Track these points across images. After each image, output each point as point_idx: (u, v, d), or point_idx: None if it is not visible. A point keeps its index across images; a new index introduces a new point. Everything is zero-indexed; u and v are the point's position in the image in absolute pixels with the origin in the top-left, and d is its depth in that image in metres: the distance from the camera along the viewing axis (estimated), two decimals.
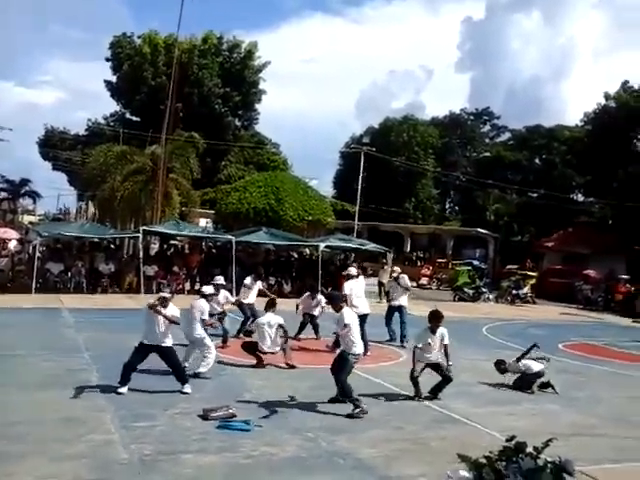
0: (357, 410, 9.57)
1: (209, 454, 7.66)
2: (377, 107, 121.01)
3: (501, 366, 12.54)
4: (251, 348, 12.92)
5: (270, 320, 12.82)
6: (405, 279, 17.49)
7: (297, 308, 16.43)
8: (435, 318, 11.05)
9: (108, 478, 6.75)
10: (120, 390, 10.00)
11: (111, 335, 14.99)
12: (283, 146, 62.83)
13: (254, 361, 12.76)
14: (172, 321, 10.30)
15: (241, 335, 15.29)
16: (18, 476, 6.66)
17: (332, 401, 9.95)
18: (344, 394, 9.74)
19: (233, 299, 15.82)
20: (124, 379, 10.10)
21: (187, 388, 10.32)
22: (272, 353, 12.79)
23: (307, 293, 17.04)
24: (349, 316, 9.99)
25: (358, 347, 9.92)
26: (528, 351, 12.59)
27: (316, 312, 16.53)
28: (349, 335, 9.83)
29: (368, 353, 13.32)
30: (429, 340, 10.90)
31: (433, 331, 10.94)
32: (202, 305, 11.94)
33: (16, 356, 12.64)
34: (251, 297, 16.31)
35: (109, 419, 8.80)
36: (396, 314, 17.05)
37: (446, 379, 10.92)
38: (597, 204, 50.71)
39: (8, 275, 26.01)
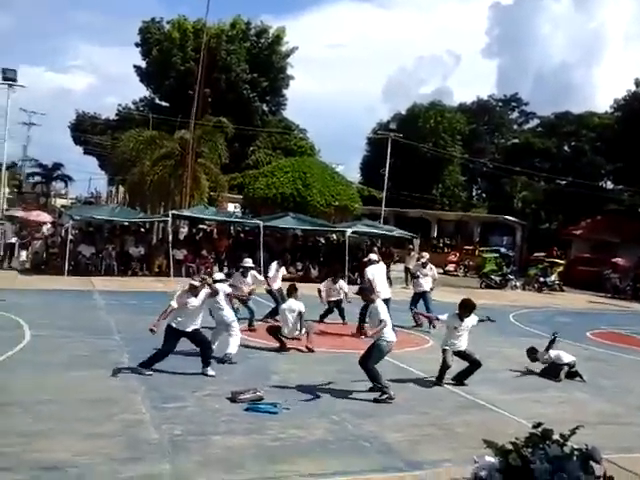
0: (384, 396, 9.63)
1: (237, 435, 7.77)
2: (405, 93, 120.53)
3: (532, 354, 12.50)
4: (274, 332, 13.07)
5: (291, 305, 12.96)
6: (432, 268, 17.49)
7: (319, 293, 16.51)
8: (464, 307, 11.05)
9: (140, 457, 6.88)
10: (147, 372, 10.16)
11: (141, 317, 15.11)
12: (310, 132, 62.76)
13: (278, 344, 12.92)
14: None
15: (268, 319, 15.37)
16: (54, 453, 6.82)
17: (372, 390, 9.96)
18: (373, 380, 9.80)
19: (261, 278, 15.84)
20: (150, 363, 10.28)
21: (210, 371, 10.45)
22: (293, 338, 12.92)
23: (330, 279, 17.05)
24: (384, 311, 10.02)
25: (391, 334, 9.97)
26: (551, 343, 12.53)
27: (340, 297, 16.57)
28: (381, 326, 9.87)
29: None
30: (455, 325, 10.93)
31: (461, 318, 10.97)
32: (222, 287, 11.88)
33: (49, 337, 12.87)
34: (277, 283, 16.30)
35: (140, 400, 8.95)
36: (421, 301, 17.08)
37: (475, 364, 10.93)
38: (627, 192, 49.98)
39: (42, 257, 26.45)
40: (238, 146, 51.05)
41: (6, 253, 26.47)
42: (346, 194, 39.73)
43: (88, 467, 6.54)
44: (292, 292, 13.44)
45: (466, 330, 10.99)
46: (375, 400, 9.58)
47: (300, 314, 12.84)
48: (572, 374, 12.04)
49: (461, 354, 11.00)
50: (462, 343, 10.98)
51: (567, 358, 12.15)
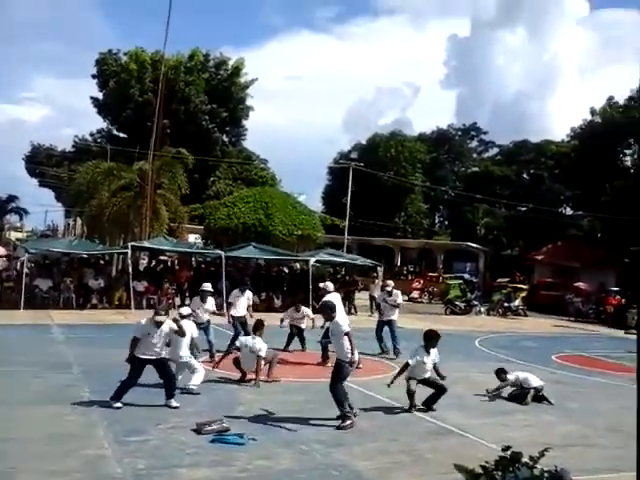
0: (346, 423, 9.51)
1: (203, 468, 7.59)
2: (365, 123, 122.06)
3: (501, 375, 12.48)
4: (237, 363, 12.71)
5: (255, 345, 12.40)
6: (398, 295, 17.32)
7: (281, 322, 16.43)
8: (430, 338, 11.01)
9: None
10: (115, 405, 9.91)
11: (101, 350, 14.89)
12: (271, 162, 63.03)
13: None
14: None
15: (231, 350, 15.08)
16: None
17: (338, 418, 9.80)
18: (337, 404, 9.66)
19: (215, 309, 15.62)
20: (119, 394, 10.02)
21: (174, 402, 10.24)
22: (246, 373, 12.57)
23: (293, 307, 16.98)
24: (345, 323, 9.96)
25: (354, 354, 9.86)
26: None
27: (303, 325, 16.46)
28: (345, 343, 9.78)
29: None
30: (424, 359, 10.87)
31: (427, 351, 10.92)
32: (190, 326, 11.86)
33: (5, 372, 12.47)
34: (240, 309, 15.83)
35: (102, 434, 8.71)
36: (386, 328, 16.98)
37: (441, 390, 10.88)
38: (585, 217, 51.08)
39: None
40: (198, 177, 50.94)
41: None
42: (308, 223, 39.77)
43: None
44: (259, 328, 12.98)
45: (431, 360, 10.94)
46: (337, 428, 9.44)
47: (259, 357, 12.28)
48: (539, 398, 12.05)
49: (426, 381, 10.93)
50: (427, 373, 10.93)
51: (535, 382, 12.17)
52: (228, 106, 57.90)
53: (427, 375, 10.93)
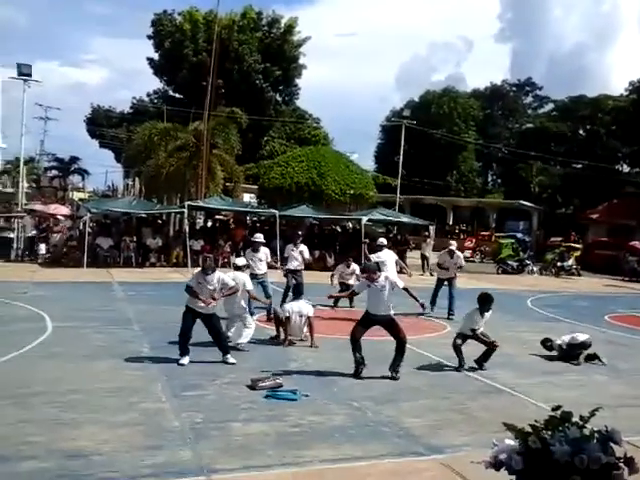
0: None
1: (257, 422, 7.82)
2: (417, 80, 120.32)
3: (547, 344, 12.47)
4: (278, 321, 12.69)
5: (301, 309, 12.51)
6: (460, 257, 17.15)
7: (331, 281, 16.51)
8: (485, 302, 11.01)
9: (161, 445, 6.95)
10: (182, 361, 10.21)
11: (160, 307, 15.35)
12: (324, 121, 62.68)
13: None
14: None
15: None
16: (78, 441, 6.91)
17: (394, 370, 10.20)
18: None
19: (269, 258, 15.21)
20: (183, 350, 10.34)
21: (230, 358, 10.51)
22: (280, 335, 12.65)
23: (344, 263, 17.07)
24: (393, 274, 10.15)
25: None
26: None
27: (351, 281, 16.55)
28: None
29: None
30: (477, 321, 10.94)
31: (482, 314, 10.98)
32: (243, 277, 12.03)
33: (70, 328, 13.03)
34: (292, 264, 15.77)
35: (160, 389, 9.04)
36: (444, 288, 16.86)
37: (492, 347, 10.95)
38: None
39: (61, 250, 26.70)
40: (252, 136, 51.09)
41: (26, 246, 26.73)
42: (361, 182, 39.67)
43: (111, 455, 6.63)
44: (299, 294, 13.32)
45: (484, 321, 11.02)
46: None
47: (308, 318, 12.41)
48: (591, 357, 12.00)
49: (477, 337, 10.98)
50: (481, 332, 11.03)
51: (582, 337, 12.11)
52: (281, 65, 57.61)
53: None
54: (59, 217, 30.37)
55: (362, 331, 10.20)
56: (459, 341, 10.93)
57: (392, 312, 10.25)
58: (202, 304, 10.35)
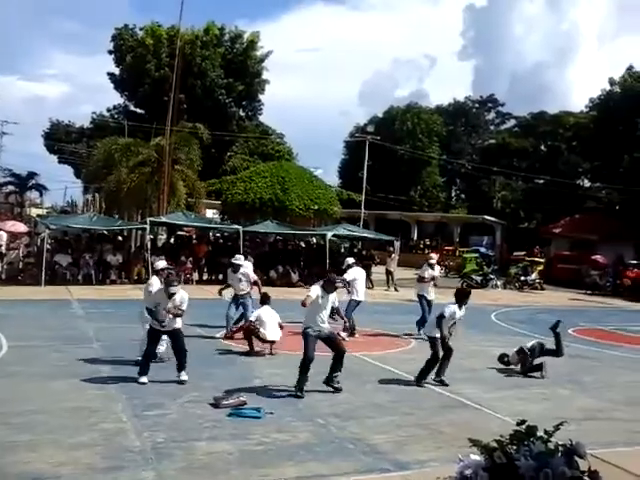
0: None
1: (221, 441, 7.71)
2: (381, 96, 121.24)
3: (504, 359, 12.52)
4: (249, 333, 12.78)
5: (269, 312, 12.75)
6: (437, 270, 16.96)
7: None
8: (464, 296, 11.22)
9: (122, 465, 6.80)
10: (141, 380, 10.02)
11: (121, 325, 15.06)
12: (287, 136, 62.78)
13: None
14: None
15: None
16: (34, 464, 6.72)
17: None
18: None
19: (253, 275, 14.94)
20: (144, 369, 10.15)
21: (184, 375, 10.28)
22: (273, 342, 12.72)
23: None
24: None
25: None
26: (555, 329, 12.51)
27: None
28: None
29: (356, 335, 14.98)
30: (458, 315, 11.04)
31: (460, 307, 11.09)
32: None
33: (27, 347, 12.73)
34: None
35: (121, 408, 8.87)
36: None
37: (448, 352, 10.94)
38: (604, 189, 50.55)
39: (18, 267, 26.18)
40: (215, 152, 51.00)
41: None
42: (325, 198, 39.76)
43: (71, 477, 6.47)
44: (265, 301, 13.35)
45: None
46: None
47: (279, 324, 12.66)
48: (537, 367, 12.03)
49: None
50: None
51: (529, 344, 12.22)
52: (244, 80, 57.63)
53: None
54: (16, 234, 29.77)
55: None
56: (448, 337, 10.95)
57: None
58: (166, 321, 10.17)
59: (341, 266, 16.90)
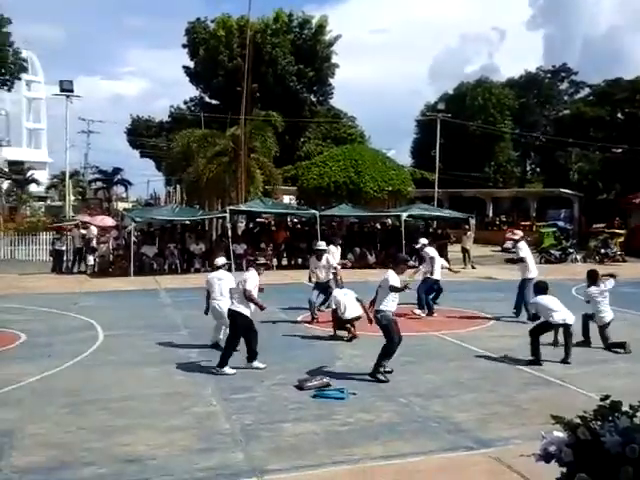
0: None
1: (307, 422, 7.94)
2: (451, 73, 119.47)
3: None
4: (341, 322, 12.95)
5: (344, 292, 12.97)
6: (520, 248, 15.69)
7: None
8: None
9: (214, 447, 7.12)
10: (229, 371, 10.11)
11: None
12: (359, 118, 62.62)
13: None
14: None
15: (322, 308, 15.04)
16: (133, 446, 7.13)
17: None
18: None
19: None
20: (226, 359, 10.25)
21: (260, 364, 10.42)
22: (357, 318, 12.72)
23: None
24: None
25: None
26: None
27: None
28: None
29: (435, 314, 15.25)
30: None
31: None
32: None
33: (121, 336, 13.35)
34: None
35: (210, 392, 9.22)
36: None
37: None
38: None
39: (109, 260, 27.24)
40: (289, 138, 51.31)
41: (75, 258, 27.35)
42: (398, 178, 39.57)
43: (166, 459, 6.82)
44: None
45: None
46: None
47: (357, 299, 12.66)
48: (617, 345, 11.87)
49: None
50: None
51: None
52: (314, 65, 57.67)
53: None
54: (106, 228, 30.87)
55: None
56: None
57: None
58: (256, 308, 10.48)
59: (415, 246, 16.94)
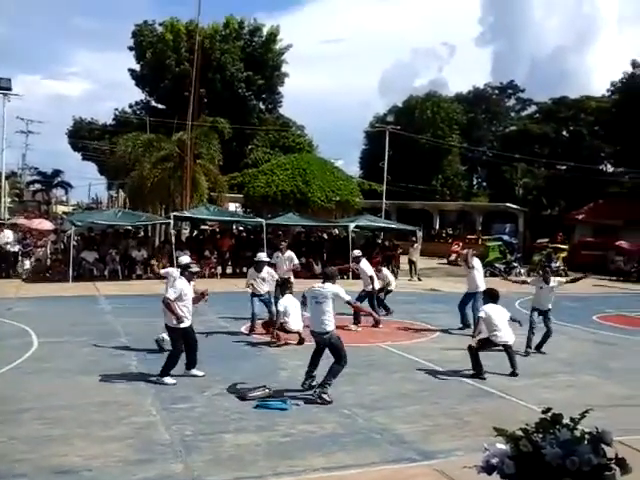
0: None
1: (248, 433, 7.80)
2: (400, 86, 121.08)
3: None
4: (269, 325, 13.25)
5: (293, 302, 12.99)
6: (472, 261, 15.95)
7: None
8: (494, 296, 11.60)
9: (152, 458, 6.93)
10: (169, 381, 9.89)
11: (147, 320, 15.21)
12: (308, 128, 62.72)
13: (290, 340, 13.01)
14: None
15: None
16: (68, 457, 6.88)
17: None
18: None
19: (277, 276, 15.08)
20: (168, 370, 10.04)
21: (198, 372, 10.32)
22: (298, 332, 12.93)
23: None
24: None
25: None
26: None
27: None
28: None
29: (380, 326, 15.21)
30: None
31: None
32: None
33: (57, 343, 12.95)
34: (282, 270, 15.91)
35: (149, 402, 9.00)
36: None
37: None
38: (627, 174, 49.84)
39: (46, 265, 26.50)
40: (236, 145, 51.08)
41: (10, 261, 26.43)
42: (346, 189, 39.69)
43: (102, 470, 6.61)
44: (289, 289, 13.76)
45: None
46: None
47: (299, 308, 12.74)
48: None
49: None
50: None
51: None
52: (264, 73, 57.62)
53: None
54: (43, 231, 30.12)
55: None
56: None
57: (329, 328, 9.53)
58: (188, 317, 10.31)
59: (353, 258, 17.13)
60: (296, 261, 16.42)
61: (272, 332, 13.06)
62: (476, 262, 15.86)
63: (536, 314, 13.01)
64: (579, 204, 44.05)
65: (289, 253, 16.33)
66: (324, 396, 9.03)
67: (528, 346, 12.64)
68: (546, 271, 13.55)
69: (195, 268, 10.71)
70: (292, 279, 15.82)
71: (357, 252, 17.09)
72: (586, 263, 34.04)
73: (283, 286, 14.57)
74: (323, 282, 9.71)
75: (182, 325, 10.04)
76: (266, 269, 14.62)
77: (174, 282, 10.43)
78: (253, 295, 14.28)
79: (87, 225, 27.76)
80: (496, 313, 11.10)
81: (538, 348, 12.80)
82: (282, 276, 15.46)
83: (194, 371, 10.29)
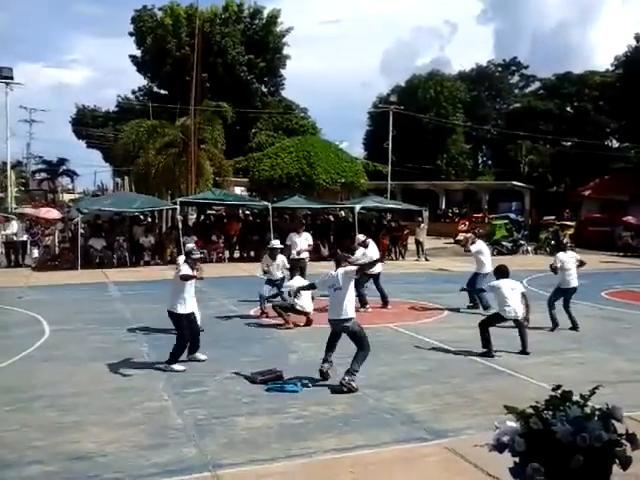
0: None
1: (260, 416, 7.85)
2: (403, 65, 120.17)
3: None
4: (283, 308, 13.31)
5: (302, 283, 12.95)
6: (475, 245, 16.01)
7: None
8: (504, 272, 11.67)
9: (165, 443, 6.98)
10: (178, 368, 9.87)
11: (156, 305, 15.26)
12: (311, 110, 62.58)
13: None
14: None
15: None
16: (82, 444, 6.94)
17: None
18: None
19: (287, 264, 15.06)
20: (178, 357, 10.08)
21: (202, 355, 10.40)
22: (306, 313, 13.11)
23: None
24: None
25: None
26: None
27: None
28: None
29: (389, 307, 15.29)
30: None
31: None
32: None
33: (68, 330, 13.01)
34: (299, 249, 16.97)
35: (161, 387, 9.05)
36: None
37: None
38: (633, 149, 49.58)
39: (54, 253, 26.59)
40: (240, 129, 51.00)
41: (18, 251, 26.53)
42: (351, 170, 39.60)
43: (116, 455, 6.66)
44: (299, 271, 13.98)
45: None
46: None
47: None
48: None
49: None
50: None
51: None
52: (265, 56, 57.42)
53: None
54: (51, 220, 30.14)
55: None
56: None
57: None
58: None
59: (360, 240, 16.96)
60: (311, 241, 17.58)
61: (282, 315, 13.15)
62: (481, 245, 15.85)
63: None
64: (585, 180, 43.85)
65: (305, 234, 17.43)
66: (352, 384, 8.83)
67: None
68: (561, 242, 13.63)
69: (197, 254, 10.67)
70: (307, 260, 16.23)
71: (362, 237, 16.81)
72: (593, 239, 34.12)
73: (294, 269, 14.74)
74: (336, 269, 9.66)
75: (182, 311, 10.02)
76: (280, 257, 14.80)
77: (178, 268, 10.44)
78: (268, 281, 14.46)
79: (94, 212, 27.77)
80: (507, 287, 11.14)
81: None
82: (296, 257, 16.16)
83: (197, 355, 10.35)
